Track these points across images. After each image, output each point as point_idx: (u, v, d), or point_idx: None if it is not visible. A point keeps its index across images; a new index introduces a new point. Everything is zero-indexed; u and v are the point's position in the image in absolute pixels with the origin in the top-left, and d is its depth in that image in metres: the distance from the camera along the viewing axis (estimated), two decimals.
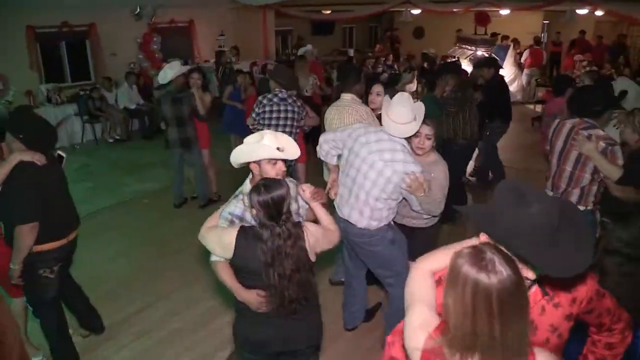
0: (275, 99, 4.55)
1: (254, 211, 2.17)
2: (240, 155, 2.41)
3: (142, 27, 11.03)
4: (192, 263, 4.59)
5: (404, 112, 2.87)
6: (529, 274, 1.42)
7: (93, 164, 7.97)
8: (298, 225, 2.25)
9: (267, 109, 4.55)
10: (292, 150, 2.43)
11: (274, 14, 13.00)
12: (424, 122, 3.01)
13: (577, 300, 1.58)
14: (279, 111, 4.54)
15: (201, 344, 3.63)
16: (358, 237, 3.13)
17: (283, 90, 4.59)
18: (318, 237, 2.28)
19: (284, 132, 4.18)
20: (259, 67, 12.02)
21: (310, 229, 2.26)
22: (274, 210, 2.13)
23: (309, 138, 6.57)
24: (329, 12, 12.29)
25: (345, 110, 3.85)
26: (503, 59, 12.55)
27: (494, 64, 6.32)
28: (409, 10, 13.20)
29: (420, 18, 15.93)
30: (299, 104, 4.63)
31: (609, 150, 3.25)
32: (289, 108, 4.54)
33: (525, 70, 12.01)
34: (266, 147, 2.34)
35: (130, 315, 3.94)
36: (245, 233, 2.21)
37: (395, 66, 13.74)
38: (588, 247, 1.37)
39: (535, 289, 1.55)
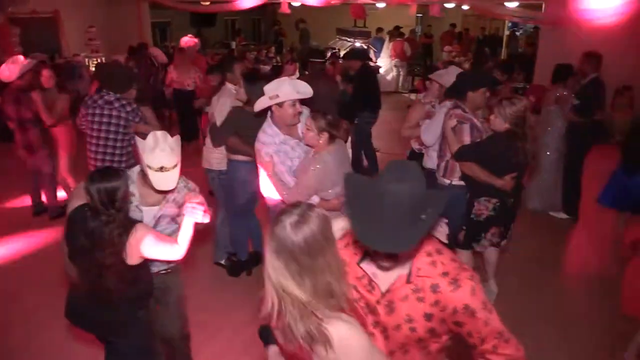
0: (100, 101, 4.07)
1: (88, 197, 2.24)
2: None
3: None
4: None
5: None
6: None
7: None
8: (131, 222, 2.27)
9: (90, 111, 4.08)
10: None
11: (148, 5, 12.40)
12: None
13: (440, 304, 1.52)
14: (101, 115, 4.05)
15: None
16: None
17: (111, 92, 4.09)
18: (148, 244, 2.26)
19: (106, 137, 4.04)
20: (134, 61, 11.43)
21: (139, 232, 2.25)
22: (105, 198, 2.20)
23: None
24: (207, 3, 11.96)
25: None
26: (380, 51, 13.11)
27: (360, 56, 6.52)
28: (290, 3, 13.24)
29: (302, 10, 16.13)
30: (128, 109, 4.09)
31: (457, 128, 3.55)
32: (114, 113, 4.04)
33: (393, 62, 12.60)
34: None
35: None
36: (78, 213, 2.29)
37: (278, 58, 13.83)
38: (417, 225, 1.37)
39: (404, 272, 1.56)
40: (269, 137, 3.21)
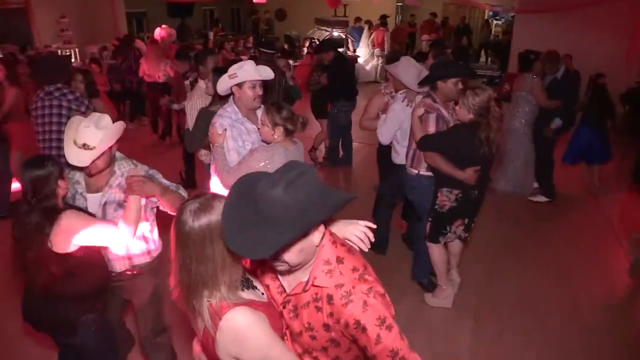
0: (41, 94, 4.01)
1: None
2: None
3: None
4: None
5: None
6: None
7: None
8: (56, 210, 2.22)
9: (33, 106, 4.03)
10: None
11: None
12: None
13: (334, 317, 1.47)
14: (42, 107, 3.99)
15: None
16: None
17: (50, 83, 4.01)
18: (78, 230, 2.20)
19: (50, 129, 3.94)
20: (110, 52, 11.25)
21: (65, 220, 2.20)
22: (29, 187, 2.21)
23: None
24: None
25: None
26: (358, 40, 13.03)
27: (331, 46, 6.46)
28: None
29: (282, 0, 15.99)
30: (70, 97, 4.01)
31: (424, 117, 3.52)
32: (55, 102, 3.97)
33: (375, 51, 12.53)
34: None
35: None
36: (18, 205, 2.30)
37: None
38: (279, 234, 1.31)
39: (304, 279, 1.51)
40: (227, 113, 3.16)
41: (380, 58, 12.85)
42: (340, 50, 7.91)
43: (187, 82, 5.71)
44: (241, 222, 1.33)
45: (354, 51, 12.66)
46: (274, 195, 1.30)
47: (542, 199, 5.78)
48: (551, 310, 3.82)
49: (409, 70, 3.99)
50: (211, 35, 14.50)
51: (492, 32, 15.44)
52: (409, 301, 3.87)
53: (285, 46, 12.07)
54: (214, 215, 1.43)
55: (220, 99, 3.60)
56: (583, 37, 8.54)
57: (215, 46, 13.32)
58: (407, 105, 3.93)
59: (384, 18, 13.44)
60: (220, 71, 3.68)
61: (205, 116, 3.62)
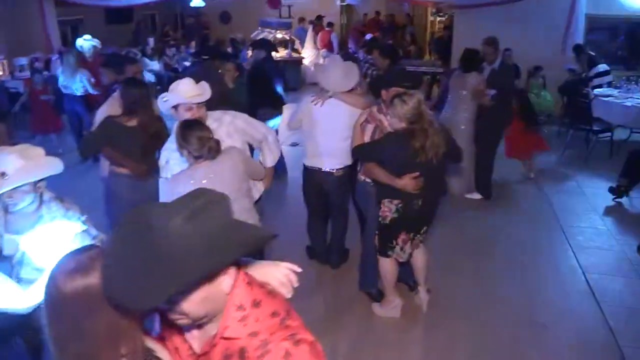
0: None
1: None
2: None
3: None
4: None
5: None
6: None
7: None
8: None
9: None
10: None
11: (52, 2, 11.57)
12: None
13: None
14: None
15: None
16: None
17: None
18: None
19: None
20: (42, 63, 10.66)
21: None
22: None
23: None
24: None
25: None
26: (304, 41, 12.88)
27: (261, 47, 6.23)
28: None
29: (225, 3, 15.61)
30: None
31: (363, 126, 3.47)
32: None
33: (321, 52, 12.39)
34: None
35: None
36: None
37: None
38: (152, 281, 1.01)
39: (214, 332, 1.20)
40: (169, 141, 2.98)
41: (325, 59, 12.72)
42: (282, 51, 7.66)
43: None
44: (126, 262, 1.04)
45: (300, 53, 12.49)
46: (171, 226, 1.02)
47: (477, 196, 5.79)
48: (504, 312, 3.76)
49: (332, 71, 3.85)
50: (151, 41, 14.00)
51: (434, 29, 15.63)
52: (358, 311, 3.75)
53: (229, 49, 11.77)
54: (94, 278, 1.13)
55: (130, 112, 3.35)
56: (523, 32, 8.68)
57: (157, 52, 12.93)
58: (314, 103, 3.85)
59: (319, 19, 13.33)
60: (130, 81, 3.45)
61: (107, 125, 3.38)
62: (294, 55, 12.10)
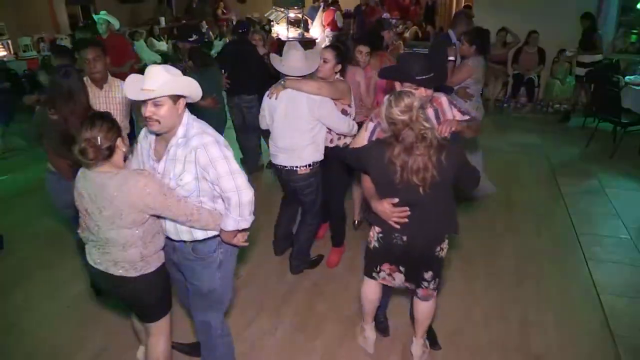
0: None
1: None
2: None
3: None
4: None
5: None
6: None
7: None
8: None
9: None
10: None
11: None
12: None
13: None
14: None
15: None
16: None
17: None
18: None
19: None
20: (47, 43, 10.44)
21: None
22: None
23: None
24: None
25: None
26: (314, 20, 12.26)
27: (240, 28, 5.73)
28: None
29: None
30: None
31: (366, 125, 2.89)
32: None
33: (326, 31, 11.72)
34: None
35: None
36: None
37: (210, 33, 12.97)
38: None
39: None
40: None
41: (329, 39, 12.08)
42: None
43: None
44: None
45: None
46: None
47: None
48: (495, 338, 3.22)
49: (286, 57, 3.43)
50: (163, 21, 13.64)
51: None
52: (332, 333, 3.31)
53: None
54: None
55: (52, 105, 2.95)
56: (548, 14, 7.93)
57: (164, 33, 12.59)
58: (269, 97, 3.52)
59: None
60: (55, 71, 3.05)
61: (43, 118, 3.00)
62: (307, 35, 11.52)
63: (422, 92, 2.65)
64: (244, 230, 2.41)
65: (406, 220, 2.51)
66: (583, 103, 8.03)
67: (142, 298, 2.38)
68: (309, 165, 3.51)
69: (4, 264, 4.13)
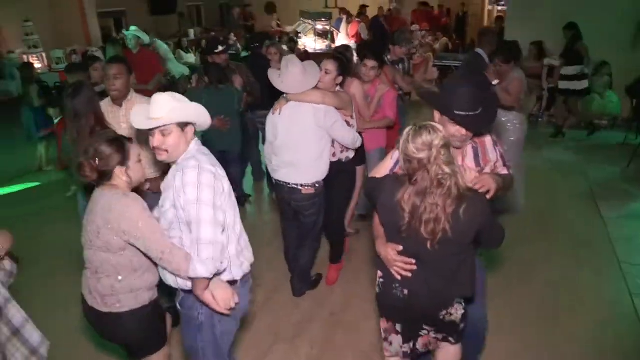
0: None
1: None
2: None
3: None
4: None
5: None
6: None
7: None
8: None
9: None
10: None
11: None
12: None
13: None
14: None
15: None
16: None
17: None
18: None
19: None
20: (79, 55, 10.62)
21: None
22: None
23: None
24: None
25: None
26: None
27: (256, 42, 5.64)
28: None
29: None
30: None
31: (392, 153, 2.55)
32: None
33: (351, 43, 11.57)
34: None
35: None
36: None
37: (238, 45, 12.97)
38: None
39: None
40: None
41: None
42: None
43: None
44: None
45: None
46: None
47: None
48: None
49: (286, 73, 3.23)
50: (192, 33, 13.76)
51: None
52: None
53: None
54: None
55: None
56: (587, 23, 7.57)
57: (192, 45, 12.66)
58: (272, 113, 3.39)
59: (362, 8, 12.54)
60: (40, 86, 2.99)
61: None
62: (333, 47, 11.42)
63: (462, 131, 2.23)
64: (223, 291, 2.05)
65: (409, 274, 2.15)
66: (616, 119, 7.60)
67: (117, 336, 2.26)
68: (314, 185, 3.32)
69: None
